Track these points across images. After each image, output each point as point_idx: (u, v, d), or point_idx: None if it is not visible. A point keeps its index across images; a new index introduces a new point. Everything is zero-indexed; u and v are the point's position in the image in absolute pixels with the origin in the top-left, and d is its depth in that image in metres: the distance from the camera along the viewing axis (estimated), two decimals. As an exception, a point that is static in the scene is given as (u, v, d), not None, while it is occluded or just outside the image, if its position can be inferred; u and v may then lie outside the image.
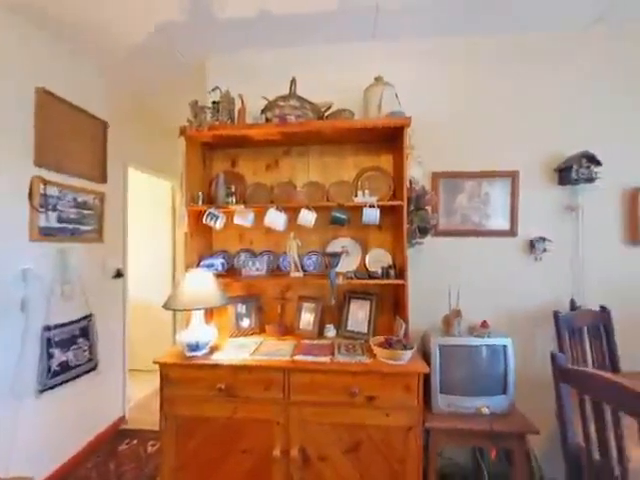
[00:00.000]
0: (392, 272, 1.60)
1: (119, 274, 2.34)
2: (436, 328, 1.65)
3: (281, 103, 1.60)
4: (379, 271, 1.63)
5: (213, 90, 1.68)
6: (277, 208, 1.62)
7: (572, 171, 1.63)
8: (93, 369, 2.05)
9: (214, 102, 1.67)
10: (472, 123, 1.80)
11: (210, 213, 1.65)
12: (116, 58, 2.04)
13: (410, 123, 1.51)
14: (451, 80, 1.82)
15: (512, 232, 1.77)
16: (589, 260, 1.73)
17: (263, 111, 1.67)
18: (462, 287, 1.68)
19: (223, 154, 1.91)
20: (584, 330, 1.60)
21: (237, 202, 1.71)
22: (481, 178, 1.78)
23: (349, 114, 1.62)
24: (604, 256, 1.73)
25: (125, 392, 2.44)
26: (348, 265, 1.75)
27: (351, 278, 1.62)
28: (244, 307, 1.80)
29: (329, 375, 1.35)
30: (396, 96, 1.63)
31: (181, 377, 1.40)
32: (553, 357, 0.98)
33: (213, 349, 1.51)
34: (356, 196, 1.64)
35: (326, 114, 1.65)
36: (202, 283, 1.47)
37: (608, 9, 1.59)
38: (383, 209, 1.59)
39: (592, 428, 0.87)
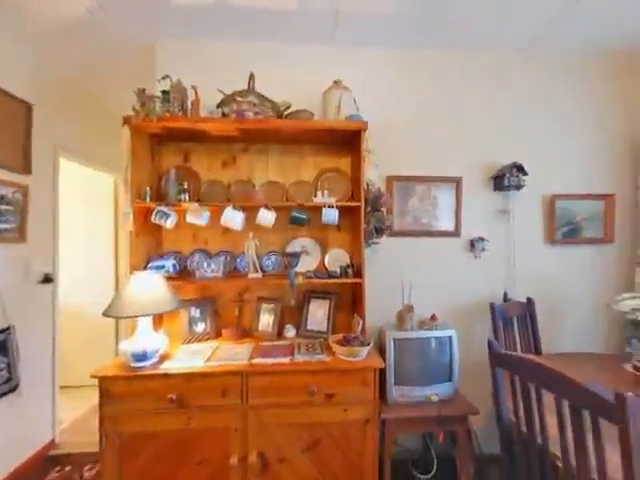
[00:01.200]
0: (350, 271, 1.65)
1: (47, 279, 2.05)
2: (391, 324, 1.74)
3: (239, 98, 1.54)
4: (338, 270, 1.66)
5: (163, 78, 1.56)
6: (234, 207, 1.56)
7: (505, 179, 1.85)
8: (12, 390, 1.76)
9: (164, 91, 1.55)
10: (422, 131, 1.94)
11: (160, 211, 1.53)
12: (46, 33, 1.78)
13: (367, 127, 1.56)
14: (404, 89, 1.93)
15: (456, 233, 1.94)
16: (518, 258, 1.97)
17: (219, 105, 1.60)
18: (414, 284, 1.80)
19: (174, 148, 1.79)
20: (514, 319, 1.81)
21: (190, 200, 1.61)
22: (430, 183, 1.92)
23: (309, 115, 1.62)
24: (530, 254, 1.98)
25: (55, 413, 2.14)
26: (308, 265, 1.76)
27: (311, 278, 1.63)
28: (198, 311, 1.70)
29: (288, 376, 1.35)
30: (354, 101, 1.68)
31: (125, 390, 1.28)
32: (489, 344, 1.09)
33: (163, 358, 1.40)
34: (316, 196, 1.66)
35: (285, 113, 1.64)
36: (150, 287, 1.36)
37: (538, 37, 1.83)
38: (342, 210, 1.62)
39: (521, 405, 0.99)
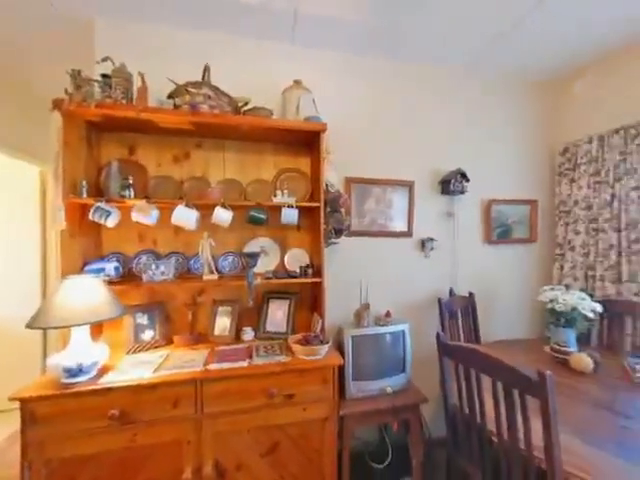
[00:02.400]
0: (310, 271, 1.66)
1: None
2: (349, 321, 1.79)
3: (192, 90, 1.46)
4: (298, 270, 1.66)
5: (103, 60, 1.40)
6: (187, 205, 1.47)
7: (450, 184, 2.02)
8: None
9: (104, 75, 1.40)
10: (379, 136, 2.03)
11: (99, 208, 1.38)
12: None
13: (326, 129, 1.59)
14: (362, 95, 2.00)
15: (409, 233, 2.07)
16: (461, 256, 2.16)
17: (170, 96, 1.49)
18: (371, 282, 1.88)
19: (117, 138, 1.62)
20: (458, 312, 1.99)
21: (136, 196, 1.48)
22: (386, 185, 2.02)
23: (268, 113, 1.60)
24: (471, 253, 2.19)
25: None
26: (267, 265, 1.73)
27: (270, 278, 1.60)
28: (145, 317, 1.57)
29: (246, 380, 1.31)
30: (313, 102, 1.69)
31: (55, 411, 1.12)
32: (437, 336, 1.19)
33: (103, 371, 1.26)
34: (275, 196, 1.64)
35: (243, 109, 1.59)
36: (87, 292, 1.21)
37: (477, 57, 2.02)
38: (302, 210, 1.63)
39: (464, 390, 1.09)
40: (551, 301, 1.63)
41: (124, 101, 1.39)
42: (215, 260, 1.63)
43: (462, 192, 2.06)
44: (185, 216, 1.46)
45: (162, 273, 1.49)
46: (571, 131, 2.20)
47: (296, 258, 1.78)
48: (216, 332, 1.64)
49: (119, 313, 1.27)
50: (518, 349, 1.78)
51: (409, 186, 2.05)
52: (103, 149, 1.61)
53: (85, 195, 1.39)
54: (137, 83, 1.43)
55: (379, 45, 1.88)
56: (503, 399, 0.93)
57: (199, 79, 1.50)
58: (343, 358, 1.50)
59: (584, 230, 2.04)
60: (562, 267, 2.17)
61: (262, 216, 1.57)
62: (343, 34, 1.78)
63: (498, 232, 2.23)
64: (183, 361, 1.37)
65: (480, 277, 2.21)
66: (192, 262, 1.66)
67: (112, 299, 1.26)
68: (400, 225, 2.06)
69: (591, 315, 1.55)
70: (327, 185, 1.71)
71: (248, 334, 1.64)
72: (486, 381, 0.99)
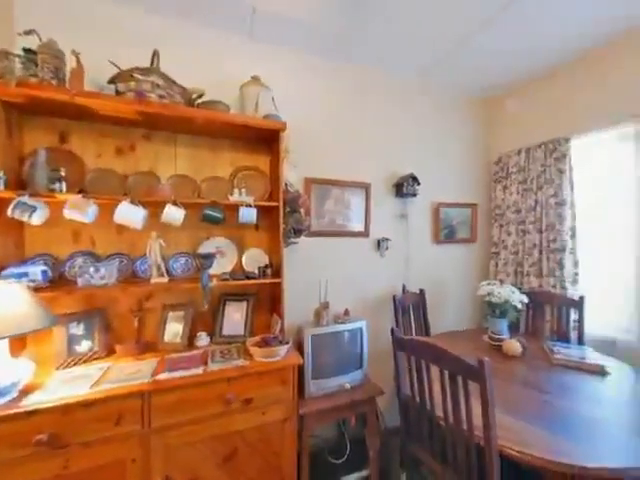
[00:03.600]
0: (269, 271, 1.63)
1: None
2: (309, 321, 1.80)
3: (139, 76, 1.33)
4: (256, 271, 1.62)
5: (27, 33, 1.21)
6: (133, 201, 1.34)
7: (403, 187, 2.15)
8: None
9: (28, 50, 1.22)
10: (338, 138, 2.07)
11: (21, 203, 1.19)
12: None
13: (286, 128, 1.58)
14: (322, 96, 2.02)
15: (366, 233, 2.15)
16: (413, 255, 2.31)
17: (112, 81, 1.35)
18: (330, 281, 1.91)
19: (46, 124, 1.41)
20: (410, 308, 2.12)
21: (69, 190, 1.31)
22: (344, 186, 2.07)
23: (224, 107, 1.53)
24: (421, 252, 2.35)
25: None
26: (223, 266, 1.66)
27: (227, 280, 1.54)
28: (82, 326, 1.40)
29: (201, 388, 1.24)
30: (273, 100, 1.67)
31: (-39, 444, 0.95)
32: (392, 331, 1.25)
33: (27, 390, 1.10)
34: (232, 194, 1.58)
35: (197, 102, 1.50)
36: (5, 301, 1.04)
37: (426, 71, 2.18)
38: (260, 209, 1.59)
39: (415, 380, 1.17)
40: (488, 295, 1.82)
41: (54, 82, 1.22)
42: (165, 262, 1.52)
43: (414, 195, 2.20)
44: (130, 214, 1.33)
45: (102, 277, 1.34)
46: (504, 143, 2.48)
47: (254, 258, 1.74)
48: (166, 339, 1.52)
49: (47, 323, 1.11)
50: (461, 339, 1.96)
51: (366, 188, 2.13)
52: (27, 135, 1.39)
53: (3, 187, 1.19)
54: (71, 63, 1.27)
55: (339, 47, 1.92)
56: (449, 386, 1.02)
57: (147, 65, 1.38)
58: (303, 358, 1.50)
59: (514, 231, 2.32)
60: (497, 264, 2.44)
61: (218, 215, 1.50)
62: (303, 33, 1.78)
63: (445, 233, 2.43)
64: (127, 373, 1.25)
65: (429, 274, 2.38)
66: (138, 264, 1.52)
67: (38, 308, 1.10)
68: (358, 225, 2.13)
69: (520, 306, 1.76)
70: (286, 185, 1.70)
71: (203, 339, 1.56)
72: (435, 371, 1.07)
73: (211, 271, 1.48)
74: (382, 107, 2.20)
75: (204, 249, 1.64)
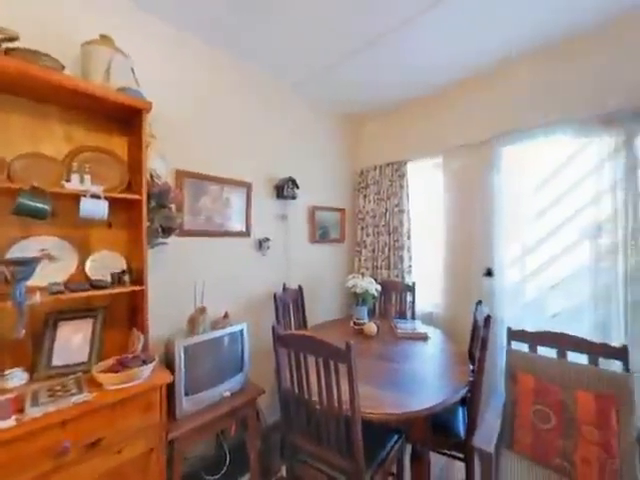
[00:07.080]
0: (127, 278, 1.34)
1: None
2: (182, 331, 1.60)
3: None
4: (108, 278, 1.31)
5: None
6: None
7: (284, 189, 2.23)
8: None
9: None
10: (217, 132, 1.93)
11: None
12: None
13: (151, 108, 1.34)
14: (201, 85, 1.84)
15: (247, 233, 2.11)
16: (292, 254, 2.44)
17: None
18: (208, 284, 1.76)
19: None
20: (290, 304, 2.23)
21: None
22: (223, 184, 1.96)
23: (56, 64, 1.15)
24: (300, 251, 2.51)
25: None
26: (54, 275, 1.25)
27: (60, 292, 1.16)
28: None
29: (13, 447, 0.90)
30: (132, 71, 1.39)
31: None
32: (273, 328, 1.28)
33: None
34: (69, 181, 1.21)
35: (6, 46, 1.07)
36: None
37: (299, 84, 2.33)
38: (114, 202, 1.30)
39: (295, 372, 1.24)
40: (353, 286, 2.14)
41: None
42: (-62, 273, 1.00)
43: (293, 197, 2.32)
44: None
45: None
46: (366, 159, 2.97)
47: (105, 263, 1.39)
48: (-60, 389, 1.01)
49: None
50: (333, 327, 2.21)
51: (247, 187, 2.09)
52: None
53: None
54: None
55: (228, 39, 1.80)
56: (323, 371, 1.13)
57: None
58: (173, 374, 1.32)
59: (372, 233, 2.82)
60: (360, 260, 2.90)
61: (41, 206, 1.11)
62: (187, 8, 1.56)
63: (320, 233, 2.69)
64: None
65: (307, 272, 2.57)
66: None
67: None
68: (238, 225, 2.06)
69: (376, 294, 2.16)
70: (152, 175, 1.45)
71: (17, 378, 1.12)
72: (311, 360, 1.17)
73: (31, 282, 1.09)
74: (264, 110, 2.22)
75: (18, 252, 1.18)
